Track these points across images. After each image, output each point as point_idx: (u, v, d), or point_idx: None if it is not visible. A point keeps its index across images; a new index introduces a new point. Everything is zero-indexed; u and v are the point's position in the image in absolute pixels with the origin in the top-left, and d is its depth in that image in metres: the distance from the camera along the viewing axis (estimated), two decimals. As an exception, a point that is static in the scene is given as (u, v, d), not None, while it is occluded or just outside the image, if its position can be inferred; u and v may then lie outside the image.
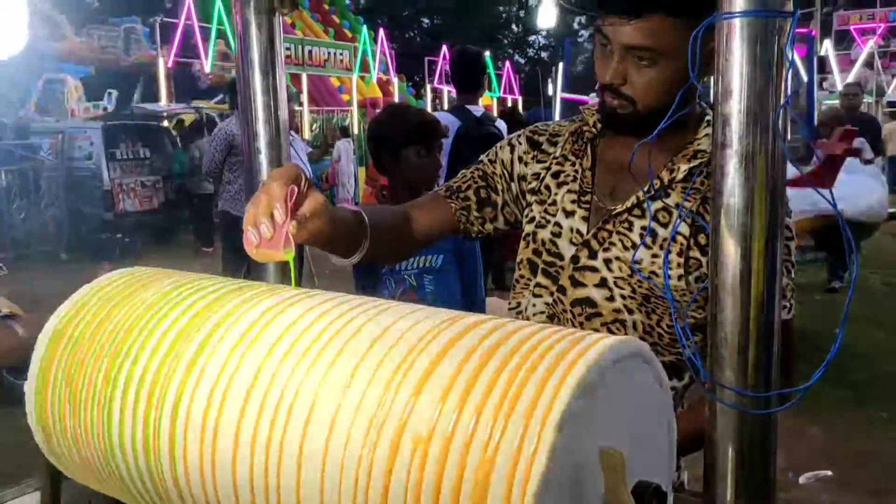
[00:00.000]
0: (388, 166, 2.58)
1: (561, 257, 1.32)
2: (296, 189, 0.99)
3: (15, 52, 1.29)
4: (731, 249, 0.89)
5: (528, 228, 1.38)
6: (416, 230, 1.38)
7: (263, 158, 1.37)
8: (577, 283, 1.30)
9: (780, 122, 0.88)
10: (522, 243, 1.39)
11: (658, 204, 1.26)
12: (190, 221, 11.23)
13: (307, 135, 15.03)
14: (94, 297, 0.96)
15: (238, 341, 0.79)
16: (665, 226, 1.25)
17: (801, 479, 3.35)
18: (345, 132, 14.08)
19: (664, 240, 1.24)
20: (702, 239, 1.22)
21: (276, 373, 0.75)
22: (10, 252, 8.87)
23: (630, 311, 1.26)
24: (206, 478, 0.77)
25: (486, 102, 21.44)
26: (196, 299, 0.87)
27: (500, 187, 1.42)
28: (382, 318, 0.77)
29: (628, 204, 1.27)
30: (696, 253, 1.23)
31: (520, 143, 1.43)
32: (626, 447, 0.63)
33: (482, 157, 1.47)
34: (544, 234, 1.34)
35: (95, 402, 0.87)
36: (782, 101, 0.87)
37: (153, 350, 0.84)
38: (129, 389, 0.84)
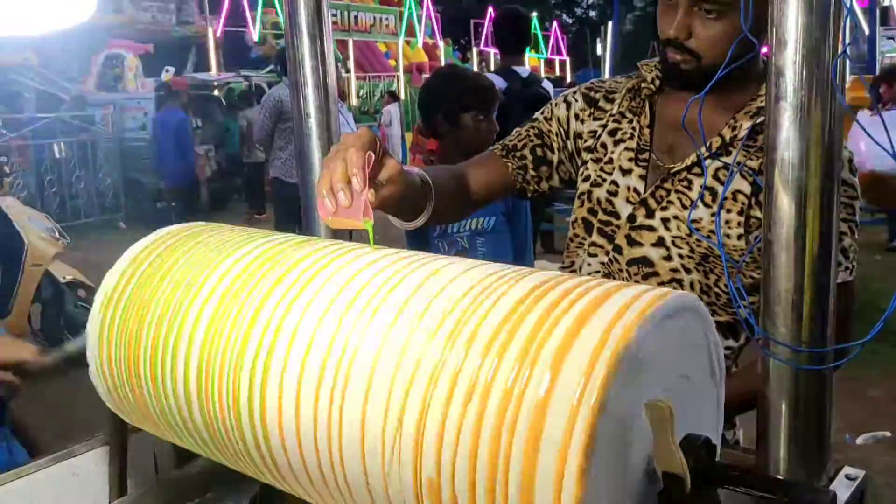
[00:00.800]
0: (443, 131, 2.56)
1: (617, 216, 1.30)
2: (373, 156, 0.97)
3: (84, 20, 1.31)
4: (785, 204, 0.88)
5: (583, 187, 1.36)
6: (473, 190, 1.37)
7: (313, 122, 1.39)
8: (633, 243, 1.28)
9: (836, 74, 0.86)
10: (577, 202, 1.37)
11: (719, 162, 1.23)
12: (242, 189, 11.40)
13: (354, 101, 15.05)
14: (153, 251, 0.99)
15: (300, 292, 0.81)
16: (725, 184, 1.22)
17: (859, 441, 3.30)
18: (393, 96, 14.07)
19: (724, 198, 1.21)
20: (762, 196, 1.20)
21: (337, 326, 0.77)
22: (71, 221, 9.13)
23: (688, 271, 1.25)
24: (265, 427, 0.80)
25: (534, 64, 21.18)
26: (257, 253, 0.90)
27: (556, 145, 1.40)
28: (441, 273, 0.78)
29: (688, 162, 1.24)
30: (756, 212, 1.20)
31: (576, 100, 1.40)
32: (674, 401, 0.63)
33: (537, 114, 1.44)
34: (600, 193, 1.32)
35: (155, 351, 0.90)
36: (839, 51, 0.85)
37: (212, 300, 0.87)
38: (187, 339, 0.87)
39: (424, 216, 1.19)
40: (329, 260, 0.86)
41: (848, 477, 0.94)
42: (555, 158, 1.40)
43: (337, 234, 1.37)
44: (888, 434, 3.35)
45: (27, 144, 9.64)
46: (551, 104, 1.44)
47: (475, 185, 1.37)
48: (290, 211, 5.10)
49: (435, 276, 0.79)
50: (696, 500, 0.65)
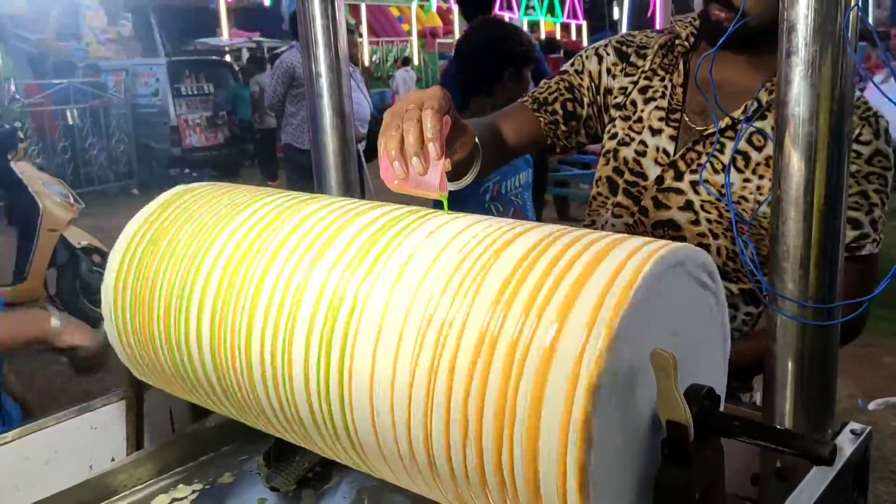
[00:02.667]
0: (480, 89, 2.51)
1: (644, 177, 1.27)
2: (450, 121, 0.91)
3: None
4: (794, 160, 0.87)
5: (609, 145, 1.32)
6: (507, 144, 1.33)
7: (324, 83, 1.39)
8: (660, 205, 1.25)
9: (849, 28, 0.85)
10: (602, 160, 1.34)
11: (753, 127, 1.19)
12: (254, 156, 11.40)
13: (366, 61, 14.95)
14: (165, 210, 1.01)
15: (309, 247, 0.83)
16: (759, 150, 1.19)
17: (871, 406, 3.31)
18: (406, 62, 13.96)
19: (757, 164, 1.18)
20: None
21: (347, 281, 0.78)
22: (85, 187, 9.18)
23: (715, 236, 1.22)
24: (276, 380, 0.82)
25: (550, 28, 20.92)
26: (267, 210, 0.91)
27: (586, 100, 1.35)
28: (448, 228, 0.79)
29: (721, 125, 1.20)
30: None
31: (608, 54, 1.35)
32: (679, 352, 0.64)
33: (566, 66, 1.39)
34: (627, 153, 1.29)
35: (170, 305, 0.92)
36: (852, 4, 0.84)
37: (223, 257, 0.89)
38: (200, 295, 0.89)
39: (472, 174, 1.12)
40: (338, 215, 0.87)
41: (853, 432, 0.95)
42: (584, 113, 1.36)
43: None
44: (899, 399, 3.35)
45: (41, 111, 9.67)
46: (581, 56, 1.38)
47: (509, 138, 1.33)
48: (302, 177, 5.09)
49: (441, 229, 0.80)
50: (698, 449, 0.66)
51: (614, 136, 1.32)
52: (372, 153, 5.53)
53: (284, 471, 1.16)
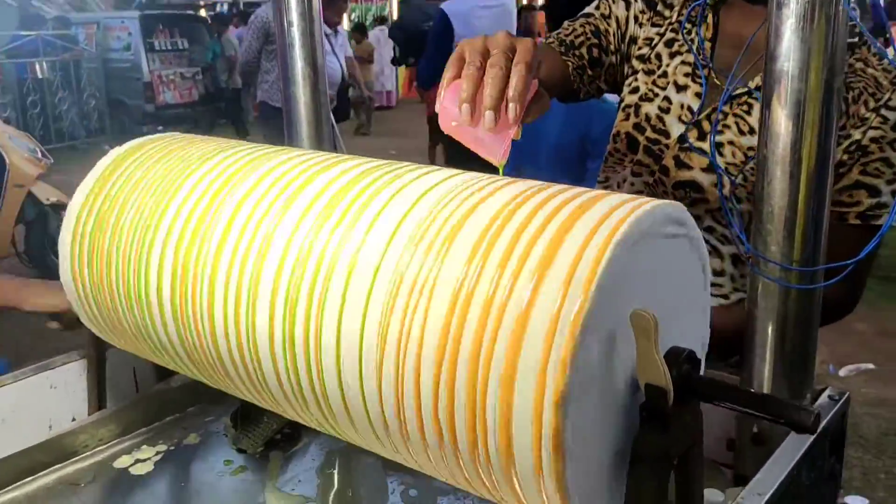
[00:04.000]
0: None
1: (667, 135, 1.21)
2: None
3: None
4: (781, 117, 0.84)
5: (630, 99, 1.26)
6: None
7: (296, 32, 1.34)
8: (682, 165, 1.19)
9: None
10: (621, 114, 1.27)
11: None
12: (227, 114, 11.20)
13: (346, 25, 14.70)
14: (125, 162, 0.96)
15: (275, 200, 0.79)
16: None
17: (842, 372, 3.34)
18: (382, 21, 13.74)
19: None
20: None
21: (314, 236, 0.74)
22: (54, 143, 8.98)
23: (738, 200, 1.15)
24: (239, 340, 0.78)
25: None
26: (231, 161, 0.87)
27: (611, 47, 1.28)
28: (420, 181, 0.75)
29: (752, 84, 1.14)
30: None
31: (635, 1, 1.28)
32: (660, 314, 0.61)
33: (591, 9, 1.31)
34: (650, 109, 1.22)
35: (129, 260, 0.88)
36: (848, -46, 0.80)
37: (184, 210, 0.84)
38: (160, 250, 0.85)
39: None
40: (305, 167, 0.83)
41: (831, 398, 0.94)
42: (608, 61, 1.29)
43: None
44: (871, 366, 3.39)
45: (9, 63, 9.40)
46: (607, 1, 1.30)
47: (544, 82, 1.22)
48: (276, 136, 5.00)
49: (414, 183, 0.76)
50: (677, 413, 0.63)
51: (636, 90, 1.25)
52: (342, 114, 5.43)
53: (252, 432, 1.13)
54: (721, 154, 1.16)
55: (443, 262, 0.66)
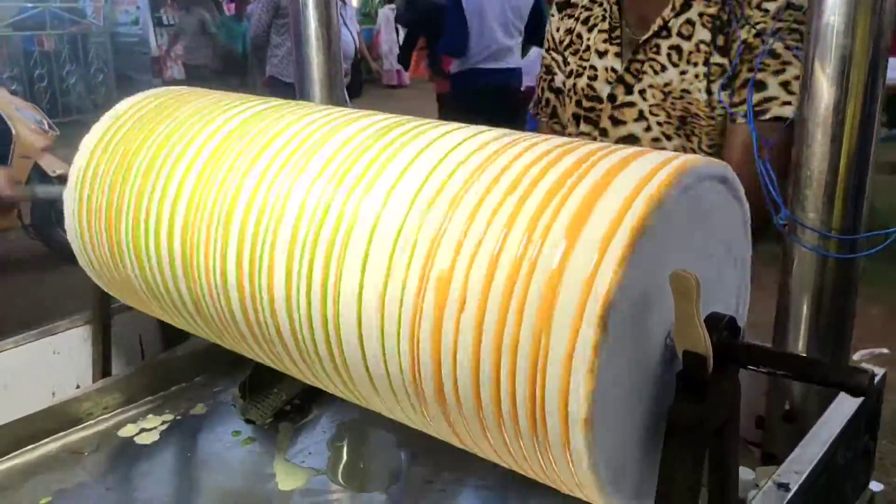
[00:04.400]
0: None
1: (599, 100, 1.27)
2: None
3: None
4: (824, 76, 0.80)
5: (568, 84, 1.34)
6: None
7: (311, 8, 1.29)
8: (617, 122, 1.26)
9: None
10: (567, 101, 1.34)
11: (682, 18, 1.19)
12: (237, 88, 11.13)
13: (355, 2, 14.57)
14: (141, 109, 0.92)
15: (291, 154, 0.75)
16: (689, 38, 1.19)
17: (856, 356, 3.29)
18: (390, 0, 13.60)
19: (690, 53, 1.18)
20: (720, 40, 1.15)
21: (332, 192, 0.70)
22: (61, 116, 8.93)
23: (668, 138, 1.22)
24: (253, 299, 0.75)
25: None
26: (251, 113, 0.83)
27: (559, 72, 1.38)
28: (446, 139, 0.71)
29: (655, 28, 1.21)
30: (717, 58, 1.16)
31: (552, 16, 1.39)
32: (701, 274, 0.57)
33: (542, 52, 1.43)
34: (581, 82, 1.30)
35: (139, 214, 0.84)
36: None
37: (196, 164, 0.80)
38: (170, 204, 0.81)
39: None
40: (325, 122, 0.79)
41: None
42: (560, 80, 1.39)
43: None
44: (886, 350, 3.34)
45: (15, 35, 9.33)
46: (547, 35, 1.42)
47: None
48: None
49: (440, 140, 0.72)
50: (716, 381, 0.59)
51: (570, 72, 1.33)
52: (354, 89, 5.36)
53: (261, 403, 1.10)
54: (645, 98, 1.22)
55: (470, 220, 0.62)
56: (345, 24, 5.01)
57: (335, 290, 0.68)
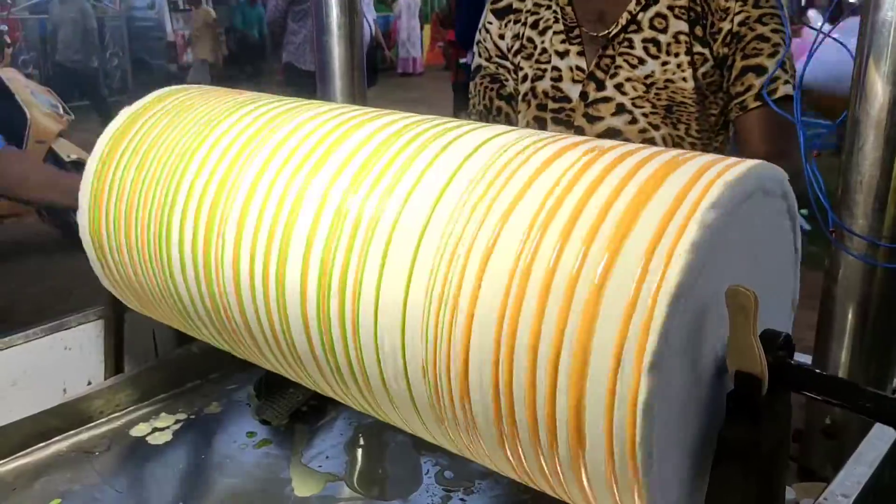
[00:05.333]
0: None
1: (568, 100, 1.26)
2: None
3: None
4: (878, 74, 0.75)
5: (524, 88, 1.31)
6: None
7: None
8: (593, 119, 1.25)
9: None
10: (523, 105, 1.32)
11: (651, 12, 1.20)
12: (252, 75, 11.08)
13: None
14: (154, 108, 0.89)
15: (311, 151, 0.71)
16: (664, 31, 1.19)
17: None
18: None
19: (668, 44, 1.19)
20: (698, 30, 1.17)
21: (350, 194, 0.67)
22: (78, 99, 8.93)
23: (656, 128, 1.22)
24: (268, 307, 0.71)
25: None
26: (266, 110, 0.79)
27: (510, 78, 1.34)
28: (474, 135, 0.67)
29: (623, 22, 1.21)
30: (698, 47, 1.17)
31: (490, 24, 1.35)
32: (755, 288, 0.53)
33: (480, 61, 1.37)
34: (544, 85, 1.28)
35: (151, 217, 0.81)
36: None
37: (208, 164, 0.77)
38: (182, 207, 0.78)
39: None
40: (344, 120, 0.75)
41: (914, 389, 0.86)
42: (510, 86, 1.35)
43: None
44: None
45: (32, 18, 9.33)
46: (478, 44, 1.38)
47: None
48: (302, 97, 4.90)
49: (464, 138, 0.68)
50: (770, 404, 0.55)
51: (525, 77, 1.31)
52: (369, 79, 5.32)
53: (277, 403, 1.07)
54: (624, 92, 1.22)
55: (502, 226, 0.58)
56: (361, 10, 4.96)
57: (354, 302, 0.64)
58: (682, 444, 0.57)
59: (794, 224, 0.65)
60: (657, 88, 1.19)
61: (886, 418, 0.53)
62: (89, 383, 1.10)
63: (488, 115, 1.38)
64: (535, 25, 1.30)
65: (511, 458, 0.60)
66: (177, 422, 1.06)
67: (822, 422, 0.86)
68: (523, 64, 1.31)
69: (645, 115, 1.21)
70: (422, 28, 12.21)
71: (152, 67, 10.18)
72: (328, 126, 0.75)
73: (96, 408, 1.04)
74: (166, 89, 0.98)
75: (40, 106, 4.47)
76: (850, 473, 0.71)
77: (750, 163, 0.57)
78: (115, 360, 1.10)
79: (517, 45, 1.32)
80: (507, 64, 1.34)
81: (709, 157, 0.59)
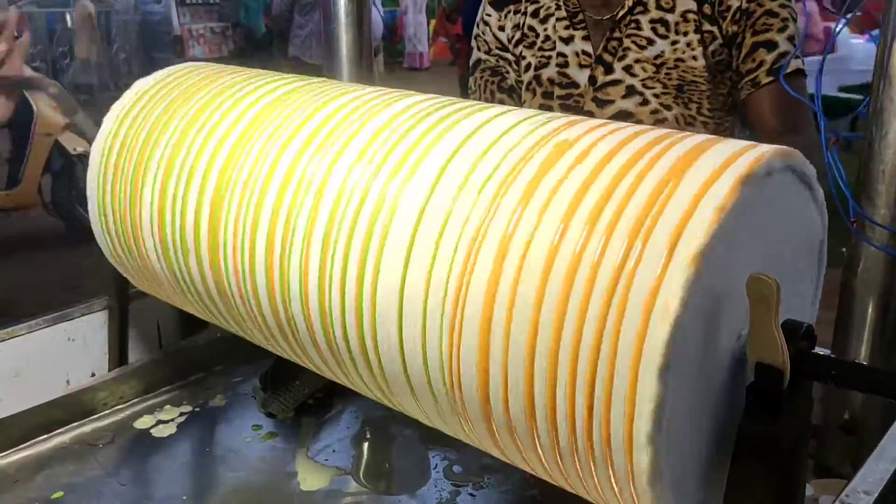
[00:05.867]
0: None
1: (576, 85, 1.26)
2: None
3: None
4: (903, 60, 0.73)
5: (528, 77, 1.30)
6: None
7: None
8: (602, 103, 1.24)
9: None
10: (527, 94, 1.31)
11: None
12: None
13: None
14: (165, 84, 0.87)
15: (326, 138, 0.69)
16: (671, 10, 1.19)
17: None
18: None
19: (677, 23, 1.19)
20: (706, 9, 1.17)
21: (370, 179, 0.65)
22: (84, 94, 8.94)
23: (668, 108, 1.22)
24: (283, 291, 0.69)
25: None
26: (285, 90, 0.77)
27: (511, 70, 1.34)
28: (494, 123, 0.65)
29: (629, 3, 1.21)
30: (707, 25, 1.17)
31: (489, 16, 1.34)
32: (778, 277, 0.51)
33: (479, 55, 1.36)
34: (549, 72, 1.27)
35: (164, 196, 0.79)
36: None
37: (225, 145, 0.75)
38: (197, 188, 0.76)
39: None
40: (365, 100, 0.73)
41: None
42: (511, 79, 1.34)
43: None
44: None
45: (38, 12, 9.33)
46: (476, 40, 1.36)
47: None
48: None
49: (490, 124, 0.66)
50: (791, 396, 0.54)
51: (529, 66, 1.30)
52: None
53: (282, 396, 1.05)
54: (634, 74, 1.21)
55: (521, 214, 0.56)
56: (372, 2, 4.95)
57: (372, 289, 0.62)
58: (700, 438, 0.56)
59: (822, 216, 0.63)
60: (668, 68, 1.19)
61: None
62: (93, 375, 1.09)
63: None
64: (535, 14, 1.29)
65: (517, 445, 0.58)
66: (181, 414, 1.05)
67: (840, 417, 0.84)
68: (525, 53, 1.30)
69: (656, 95, 1.21)
70: (428, 23, 12.17)
71: (158, 62, 10.17)
72: (351, 107, 0.73)
73: (100, 400, 1.03)
74: (172, 67, 0.96)
75: (46, 99, 4.46)
76: (873, 469, 0.69)
77: (772, 148, 0.55)
78: (119, 352, 1.09)
79: (518, 35, 1.31)
80: (508, 55, 1.33)
81: (733, 142, 0.57)
